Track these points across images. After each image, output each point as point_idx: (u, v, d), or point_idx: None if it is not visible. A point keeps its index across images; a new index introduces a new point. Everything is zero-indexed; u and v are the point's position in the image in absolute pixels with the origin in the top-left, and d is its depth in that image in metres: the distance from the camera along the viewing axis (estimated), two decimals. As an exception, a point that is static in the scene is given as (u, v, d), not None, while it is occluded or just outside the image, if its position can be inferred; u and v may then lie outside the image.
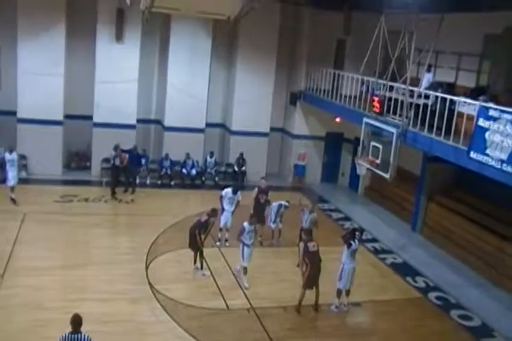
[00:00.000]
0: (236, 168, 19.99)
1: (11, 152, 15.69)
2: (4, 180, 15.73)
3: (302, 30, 20.43)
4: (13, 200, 15.56)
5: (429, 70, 14.22)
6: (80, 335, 6.86)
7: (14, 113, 18.21)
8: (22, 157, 17.81)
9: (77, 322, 6.88)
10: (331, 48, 20.20)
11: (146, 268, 12.34)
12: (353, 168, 18.87)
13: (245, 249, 11.71)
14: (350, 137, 20.21)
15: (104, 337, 8.89)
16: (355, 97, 16.33)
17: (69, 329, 6.91)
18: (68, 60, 18.46)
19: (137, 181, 18.34)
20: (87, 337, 6.90)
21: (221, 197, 14.04)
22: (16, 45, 17.80)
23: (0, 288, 10.71)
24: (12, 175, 15.49)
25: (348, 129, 19.60)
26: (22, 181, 16.92)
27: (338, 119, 19.46)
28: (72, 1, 18.19)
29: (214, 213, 12.63)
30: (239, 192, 14.13)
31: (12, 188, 15.65)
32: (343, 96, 17.17)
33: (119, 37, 18.33)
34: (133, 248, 13.44)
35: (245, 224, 11.79)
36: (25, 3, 17.38)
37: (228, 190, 14.06)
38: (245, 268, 11.81)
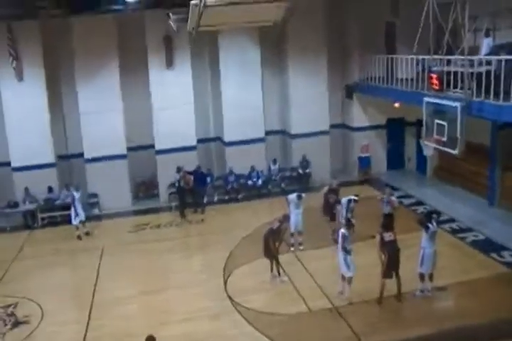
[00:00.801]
0: (300, 171, 19.85)
1: (77, 190, 16.62)
2: (71, 219, 16.39)
3: (349, 20, 20.17)
4: (88, 233, 16.43)
5: (487, 35, 13.63)
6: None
7: (81, 154, 19.04)
8: (93, 195, 18.57)
9: None
10: (380, 34, 19.76)
11: (225, 283, 12.43)
12: (419, 151, 18.32)
13: (348, 257, 11.00)
14: (412, 120, 19.64)
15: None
16: (411, 79, 15.88)
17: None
18: (124, 94, 19.05)
19: (205, 200, 18.58)
20: None
21: (287, 202, 13.96)
22: (75, 89, 18.65)
23: (90, 320, 11.16)
24: (80, 211, 16.33)
25: (409, 112, 19.12)
26: (95, 218, 17.64)
27: (397, 104, 18.95)
28: (122, 38, 18.81)
29: (285, 219, 12.60)
30: (303, 197, 14.00)
31: (84, 223, 16.41)
32: (399, 81, 16.76)
33: (169, 63, 18.77)
34: (208, 266, 13.60)
35: (342, 230, 11.08)
36: (81, 48, 18.15)
37: (293, 196, 13.97)
38: (350, 278, 11.06)
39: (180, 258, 14.61)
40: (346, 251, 10.92)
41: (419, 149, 18.82)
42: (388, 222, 12.36)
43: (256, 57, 19.62)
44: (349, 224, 11.47)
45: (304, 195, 14.07)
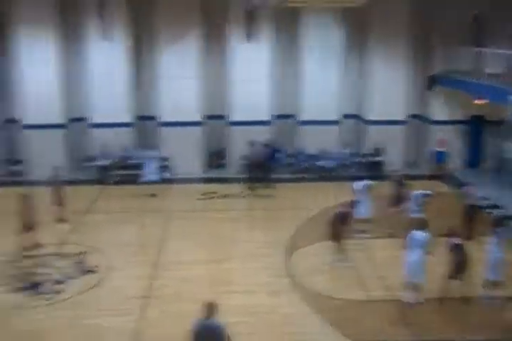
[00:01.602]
0: (372, 158, 19.61)
1: (152, 151, 17.33)
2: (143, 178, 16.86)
3: (436, 9, 19.44)
4: (154, 195, 17.00)
5: None
6: (213, 321, 7.10)
7: (157, 118, 19.44)
8: (165, 159, 18.98)
9: (211, 308, 7.12)
10: (468, 25, 19.00)
11: (286, 260, 12.54)
12: (499, 150, 17.73)
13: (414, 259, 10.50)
14: (494, 119, 18.94)
15: (249, 328, 9.22)
16: (498, 74, 15.28)
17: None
18: (203, 63, 19.31)
19: (274, 176, 18.67)
20: (220, 323, 7.13)
21: (355, 189, 13.87)
22: (156, 54, 19.05)
23: (153, 279, 11.53)
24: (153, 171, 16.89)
25: (491, 110, 18.42)
26: (166, 181, 18.05)
27: (479, 101, 18.31)
28: (205, 7, 18.96)
29: (352, 204, 12.54)
30: (370, 186, 13.87)
31: (154, 183, 17.06)
32: (486, 75, 16.15)
33: (250, 37, 18.88)
34: (271, 242, 13.71)
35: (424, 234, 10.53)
36: (165, 15, 18.59)
37: (360, 183, 13.86)
38: (415, 285, 10.50)
39: (244, 230, 14.82)
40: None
41: (499, 149, 18.31)
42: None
43: (337, 39, 19.49)
44: (425, 224, 11.17)
45: (372, 183, 13.93)
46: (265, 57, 19.20)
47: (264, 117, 19.57)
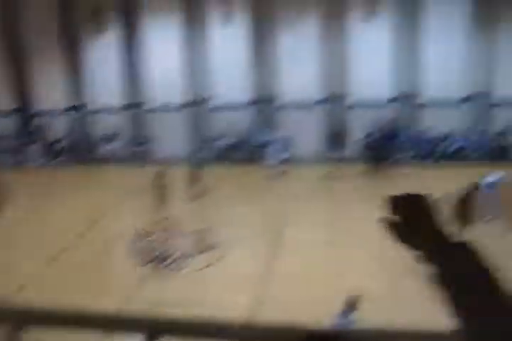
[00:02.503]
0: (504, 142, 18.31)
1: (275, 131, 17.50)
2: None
3: None
4: (281, 173, 17.02)
5: None
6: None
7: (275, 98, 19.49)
8: (287, 139, 18.86)
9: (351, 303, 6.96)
10: None
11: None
12: None
13: None
14: None
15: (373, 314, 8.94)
16: None
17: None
18: (323, 43, 18.97)
19: (396, 157, 18.08)
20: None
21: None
22: (276, 34, 18.91)
23: (276, 259, 11.54)
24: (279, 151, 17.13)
25: None
26: (288, 161, 18.12)
27: None
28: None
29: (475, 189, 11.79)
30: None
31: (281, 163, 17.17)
32: None
33: (370, 15, 18.42)
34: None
35: None
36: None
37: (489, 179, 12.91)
38: None
39: (367, 212, 14.41)
40: None
41: None
42: None
43: (464, 15, 18.27)
44: None
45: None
46: (384, 36, 18.56)
47: (387, 97, 18.86)
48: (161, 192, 13.28)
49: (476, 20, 18.69)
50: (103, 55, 19.78)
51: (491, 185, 12.81)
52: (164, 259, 11.67)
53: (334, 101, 19.55)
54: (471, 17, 18.49)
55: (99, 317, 1.40)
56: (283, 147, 18.63)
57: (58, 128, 20.48)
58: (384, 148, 17.73)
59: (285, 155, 18.41)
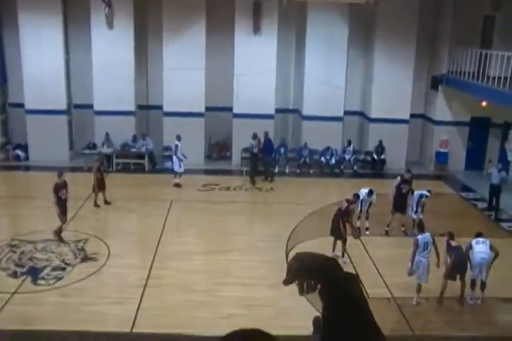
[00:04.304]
0: (375, 156, 19.63)
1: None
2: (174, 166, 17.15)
3: (444, 9, 19.43)
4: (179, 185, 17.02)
5: None
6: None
7: (160, 107, 19.40)
8: (168, 148, 18.91)
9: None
10: (476, 26, 18.94)
11: (286, 255, 12.55)
12: (502, 154, 17.75)
13: (422, 262, 10.48)
14: (498, 121, 18.99)
15: (247, 321, 9.23)
16: (505, 78, 15.29)
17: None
18: (208, 55, 19.17)
19: (276, 170, 18.69)
20: None
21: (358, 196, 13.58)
22: (161, 44, 18.93)
23: (153, 268, 11.54)
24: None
25: (496, 113, 18.46)
26: (168, 171, 18.08)
27: (484, 103, 18.31)
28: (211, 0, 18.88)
29: (354, 200, 12.56)
30: (374, 195, 13.83)
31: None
32: (491, 78, 16.15)
33: (256, 29, 18.72)
34: (272, 235, 13.71)
35: (420, 237, 10.54)
36: (170, 5, 18.48)
37: (363, 191, 13.83)
38: (420, 286, 10.61)
39: (244, 222, 14.86)
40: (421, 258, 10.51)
41: (503, 153, 18.31)
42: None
43: (343, 35, 19.26)
44: (422, 227, 11.18)
45: (374, 194, 13.85)
46: (271, 51, 18.99)
47: (269, 111, 19.50)
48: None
49: (354, 45, 19.93)
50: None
51: (366, 197, 13.66)
52: (39, 271, 11.23)
53: (218, 111, 19.83)
54: (350, 41, 19.60)
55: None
56: (164, 157, 18.66)
57: None
58: (264, 160, 18.25)
59: (167, 165, 18.42)
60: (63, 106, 18.99)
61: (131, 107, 19.27)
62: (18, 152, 19.17)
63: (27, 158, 19.13)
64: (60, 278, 10.94)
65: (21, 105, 19.10)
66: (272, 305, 10.30)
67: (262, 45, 18.91)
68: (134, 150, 18.66)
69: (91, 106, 19.17)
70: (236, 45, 18.98)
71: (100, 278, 11.17)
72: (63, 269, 11.36)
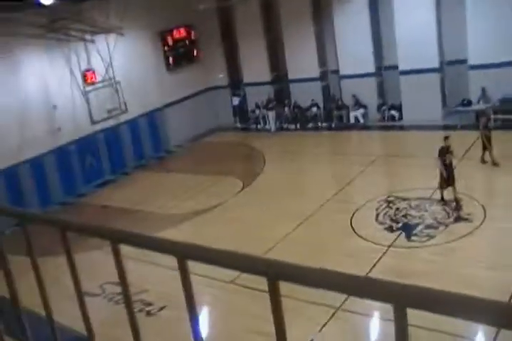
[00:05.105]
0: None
1: None
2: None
3: None
4: None
5: None
6: None
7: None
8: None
9: None
10: None
11: None
12: None
13: None
14: None
15: None
16: None
17: None
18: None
19: None
20: None
21: None
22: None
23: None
24: None
25: None
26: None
27: None
28: None
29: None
30: None
31: None
32: None
33: None
34: None
35: None
36: None
37: None
38: None
39: None
40: None
41: None
42: None
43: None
44: None
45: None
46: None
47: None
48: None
49: None
50: (351, 22, 19.65)
51: None
52: (412, 228, 11.40)
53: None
54: None
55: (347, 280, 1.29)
56: None
57: (309, 95, 21.11)
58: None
59: None
60: (435, 64, 18.60)
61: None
62: (393, 112, 19.71)
63: (401, 118, 19.53)
64: (432, 237, 10.87)
65: (395, 67, 19.46)
66: None
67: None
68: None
69: (464, 62, 18.28)
70: None
71: (473, 240, 10.64)
72: (436, 228, 11.24)
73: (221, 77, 23.17)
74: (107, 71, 18.69)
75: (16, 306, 2.49)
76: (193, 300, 1.66)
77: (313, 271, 1.35)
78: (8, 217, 2.43)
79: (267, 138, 20.65)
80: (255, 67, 22.17)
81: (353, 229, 11.76)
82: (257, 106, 22.18)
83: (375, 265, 10.02)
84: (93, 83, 18.30)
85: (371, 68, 19.97)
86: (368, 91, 20.06)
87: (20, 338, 2.53)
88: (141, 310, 9.45)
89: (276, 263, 1.42)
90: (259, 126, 22.17)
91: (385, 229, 11.55)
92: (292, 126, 21.31)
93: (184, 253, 1.59)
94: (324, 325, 8.55)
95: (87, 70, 18.15)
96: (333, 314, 8.74)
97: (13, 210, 2.65)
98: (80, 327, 2.20)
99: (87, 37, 17.77)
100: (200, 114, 22.40)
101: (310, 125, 20.92)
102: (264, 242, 11.45)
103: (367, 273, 9.47)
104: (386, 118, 19.84)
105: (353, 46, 19.75)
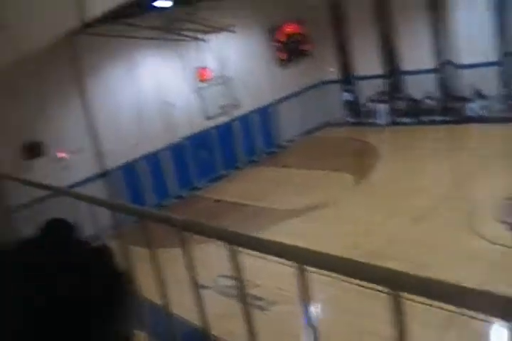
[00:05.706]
0: None
1: None
2: None
3: None
4: None
5: None
6: None
7: None
8: None
9: None
10: None
11: None
12: None
13: None
14: None
15: None
16: None
17: None
18: None
19: None
20: None
21: None
22: None
23: None
24: None
25: None
26: None
27: None
28: None
29: None
30: None
31: None
32: None
33: None
34: None
35: None
36: None
37: None
38: None
39: None
40: None
41: None
42: None
43: None
44: None
45: None
46: None
47: None
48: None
49: None
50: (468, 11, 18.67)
51: None
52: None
53: None
54: None
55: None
56: None
57: (424, 87, 20.35)
58: None
59: None
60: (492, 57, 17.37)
61: None
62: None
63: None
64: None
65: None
66: None
67: None
68: None
69: None
70: None
71: None
72: None
73: (332, 71, 22.95)
74: (219, 68, 19.15)
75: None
76: (309, 307, 1.61)
77: (436, 283, 1.26)
78: (128, 215, 2.51)
79: (380, 133, 20.20)
80: (367, 60, 21.70)
81: (473, 229, 11.19)
82: (369, 100, 21.76)
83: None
84: (206, 80, 18.82)
85: (492, 57, 18.83)
86: (489, 81, 18.95)
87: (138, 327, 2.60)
88: (251, 305, 9.56)
89: (398, 273, 1.34)
90: (370, 121, 21.71)
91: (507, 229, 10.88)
92: (406, 120, 20.68)
93: (304, 260, 1.55)
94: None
95: (200, 68, 18.67)
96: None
97: (134, 208, 2.74)
98: (191, 317, 2.22)
99: (200, 36, 18.26)
100: (311, 109, 22.33)
101: (425, 118, 20.19)
102: (377, 239, 11.21)
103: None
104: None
105: (471, 33, 18.74)
